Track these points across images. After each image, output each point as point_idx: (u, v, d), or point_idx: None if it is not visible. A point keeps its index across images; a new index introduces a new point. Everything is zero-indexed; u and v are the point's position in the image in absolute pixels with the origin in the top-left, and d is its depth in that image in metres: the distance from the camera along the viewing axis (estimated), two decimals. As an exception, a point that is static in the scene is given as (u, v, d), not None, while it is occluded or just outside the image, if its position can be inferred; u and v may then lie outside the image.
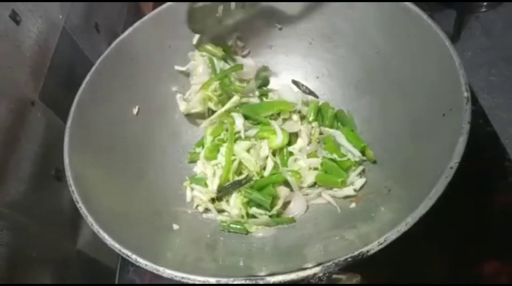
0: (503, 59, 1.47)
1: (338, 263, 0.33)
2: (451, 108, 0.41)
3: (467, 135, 0.37)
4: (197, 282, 0.35)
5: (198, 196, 0.56)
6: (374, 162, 0.53)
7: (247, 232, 0.51)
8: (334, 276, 0.34)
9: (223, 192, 0.55)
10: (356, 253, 0.33)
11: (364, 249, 0.33)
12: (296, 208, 0.53)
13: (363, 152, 0.54)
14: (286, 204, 0.54)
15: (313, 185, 0.55)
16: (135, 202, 0.51)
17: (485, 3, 1.64)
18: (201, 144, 0.62)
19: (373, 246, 0.34)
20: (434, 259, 0.50)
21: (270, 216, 0.53)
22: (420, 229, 0.33)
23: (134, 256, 0.38)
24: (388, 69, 0.54)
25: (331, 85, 0.64)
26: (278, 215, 0.53)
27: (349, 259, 0.33)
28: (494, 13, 1.63)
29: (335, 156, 0.54)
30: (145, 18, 0.60)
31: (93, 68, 0.55)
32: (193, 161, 0.61)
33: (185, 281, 0.35)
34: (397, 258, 0.41)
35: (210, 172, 0.57)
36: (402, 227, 0.34)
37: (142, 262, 0.37)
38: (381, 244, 0.34)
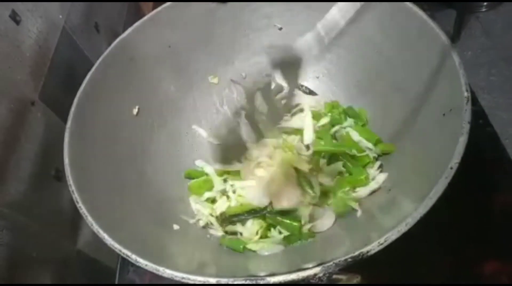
0: (503, 59, 1.46)
1: (338, 263, 0.33)
2: (451, 108, 0.41)
3: (467, 135, 0.37)
4: (197, 282, 0.35)
5: (201, 210, 0.55)
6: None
7: (245, 249, 0.49)
8: (334, 276, 0.34)
9: (236, 219, 0.52)
10: (356, 253, 0.33)
11: (364, 250, 0.33)
12: (324, 224, 0.50)
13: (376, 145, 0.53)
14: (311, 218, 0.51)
15: None
16: (135, 202, 0.51)
17: (485, 3, 1.63)
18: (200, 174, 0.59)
19: (373, 246, 0.33)
20: (434, 259, 0.50)
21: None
22: (420, 229, 0.33)
23: (134, 256, 0.37)
24: (388, 69, 0.54)
25: (331, 85, 0.64)
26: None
27: (349, 259, 0.33)
28: (494, 13, 1.62)
29: (354, 151, 0.53)
30: (145, 18, 0.60)
31: (93, 68, 0.55)
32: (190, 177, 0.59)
33: (185, 281, 0.35)
34: (397, 258, 0.41)
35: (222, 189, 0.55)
36: (402, 227, 0.34)
37: (142, 262, 0.37)
38: (381, 244, 0.33)
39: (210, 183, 0.57)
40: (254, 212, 0.52)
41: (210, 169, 0.59)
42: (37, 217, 0.49)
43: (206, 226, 0.53)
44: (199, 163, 0.61)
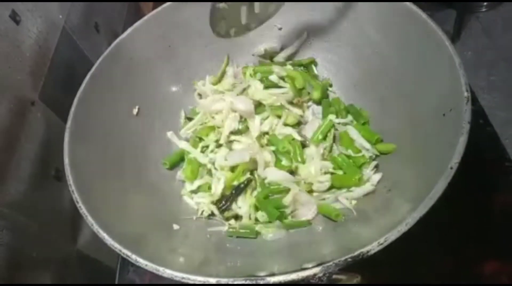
0: (503, 59, 1.46)
1: (338, 263, 0.33)
2: (451, 108, 0.41)
3: (467, 135, 0.37)
4: (197, 282, 0.35)
5: (201, 201, 0.55)
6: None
7: (257, 235, 0.50)
8: (334, 276, 0.34)
9: (228, 201, 0.53)
10: (356, 253, 0.33)
11: (364, 249, 0.33)
12: (306, 213, 0.50)
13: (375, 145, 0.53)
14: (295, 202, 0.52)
15: (330, 188, 0.53)
16: (135, 202, 0.51)
17: (485, 3, 1.64)
18: (179, 155, 0.59)
19: (373, 246, 0.34)
20: (434, 259, 0.50)
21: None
22: (420, 229, 0.33)
23: (134, 256, 0.38)
24: (388, 69, 0.54)
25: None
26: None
27: (349, 259, 0.33)
28: (494, 13, 1.63)
29: (350, 151, 0.53)
30: (145, 18, 0.61)
31: (93, 68, 0.55)
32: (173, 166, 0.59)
33: (185, 281, 0.35)
34: (397, 258, 0.41)
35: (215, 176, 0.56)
36: (402, 227, 0.34)
37: (142, 262, 0.37)
38: (381, 244, 0.34)
39: (196, 167, 0.57)
40: (239, 189, 0.53)
41: (184, 144, 0.59)
42: (37, 217, 0.49)
43: (209, 217, 0.53)
44: (170, 135, 0.61)
